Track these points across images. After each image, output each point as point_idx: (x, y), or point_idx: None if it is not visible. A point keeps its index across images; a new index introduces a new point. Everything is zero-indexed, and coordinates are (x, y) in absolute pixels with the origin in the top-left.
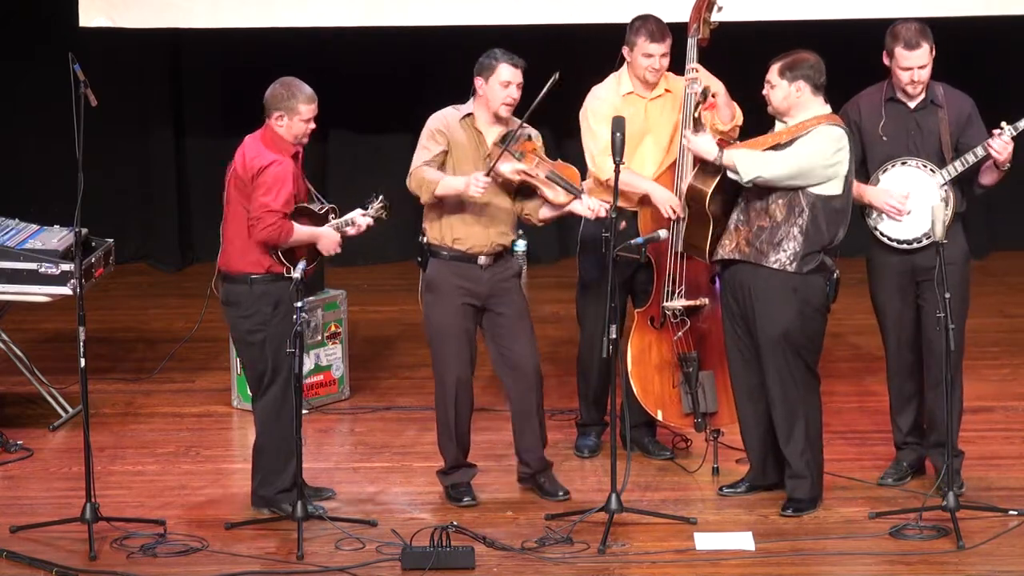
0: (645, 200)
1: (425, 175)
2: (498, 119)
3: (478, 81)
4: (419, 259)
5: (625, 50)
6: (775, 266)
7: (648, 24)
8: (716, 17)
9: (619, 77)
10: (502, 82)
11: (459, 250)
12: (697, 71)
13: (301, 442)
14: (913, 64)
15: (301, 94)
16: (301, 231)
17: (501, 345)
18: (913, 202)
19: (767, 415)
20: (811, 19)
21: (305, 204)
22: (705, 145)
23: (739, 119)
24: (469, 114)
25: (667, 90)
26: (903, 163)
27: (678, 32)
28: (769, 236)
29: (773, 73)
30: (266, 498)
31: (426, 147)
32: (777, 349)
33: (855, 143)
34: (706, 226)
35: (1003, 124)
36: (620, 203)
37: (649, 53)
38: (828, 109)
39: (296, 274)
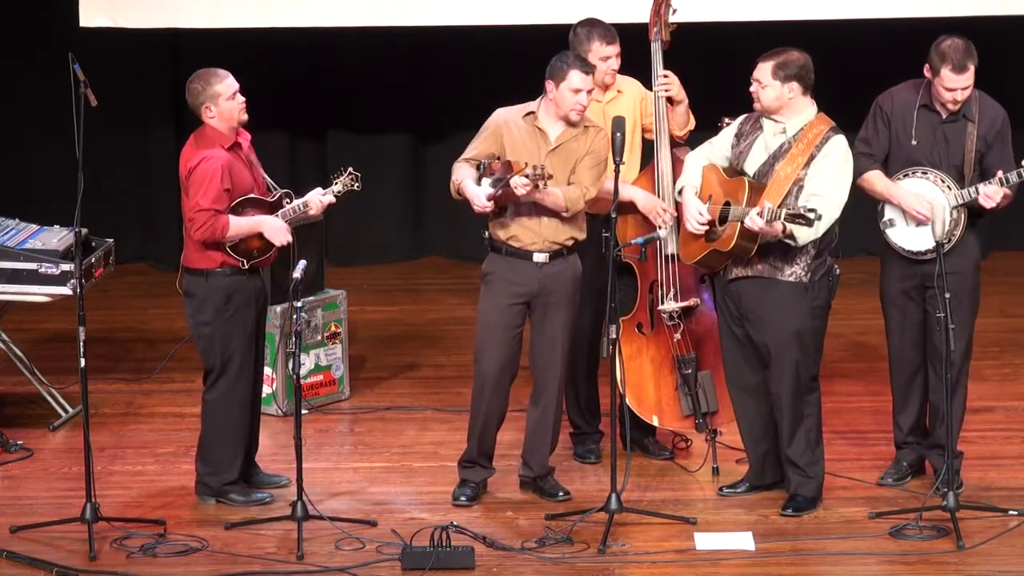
0: (626, 207)
1: (454, 173)
2: (568, 122)
3: (549, 84)
4: (484, 242)
5: None
6: (791, 279)
7: (598, 28)
8: (674, 18)
9: None
10: (572, 89)
11: (515, 247)
12: (668, 77)
13: (301, 442)
14: (958, 86)
15: (213, 77)
16: (240, 223)
17: (535, 342)
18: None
19: (768, 414)
20: (819, 19)
21: (254, 195)
22: (776, 230)
23: (692, 125)
24: (531, 112)
25: (619, 91)
26: (923, 173)
27: (637, 34)
28: (782, 252)
29: (764, 72)
30: (213, 488)
31: (475, 142)
32: (788, 350)
33: (882, 135)
34: (731, 257)
35: (999, 173)
36: (594, 211)
37: (606, 55)
38: (815, 108)
39: (296, 274)
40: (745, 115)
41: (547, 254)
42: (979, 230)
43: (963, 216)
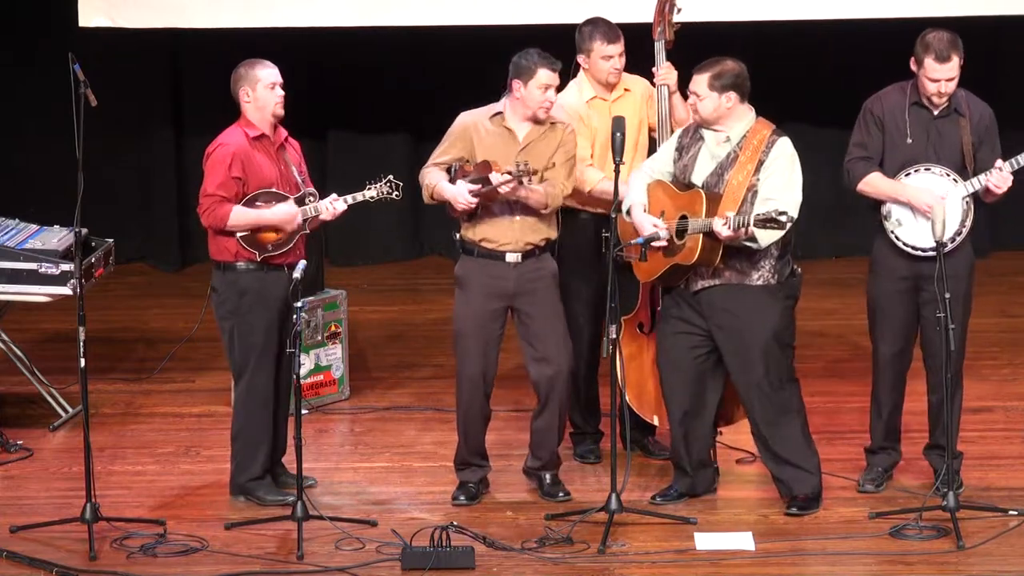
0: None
1: (425, 178)
2: (536, 120)
3: (515, 83)
4: (455, 254)
5: (581, 58)
6: (759, 283)
7: (600, 27)
8: (678, 18)
9: (579, 84)
10: (540, 86)
11: (488, 248)
12: (670, 68)
13: (301, 442)
14: (942, 76)
15: (258, 64)
16: (243, 214)
17: (531, 345)
18: None
19: (707, 427)
20: (816, 19)
21: (275, 189)
22: (740, 236)
23: (691, 119)
24: (498, 113)
25: (626, 89)
26: (927, 169)
27: (644, 33)
28: (746, 257)
29: (701, 85)
30: (240, 485)
31: (443, 147)
32: (765, 351)
33: (876, 138)
34: (694, 270)
35: (1000, 161)
36: (598, 209)
37: (608, 55)
38: (754, 113)
39: (296, 274)
40: (682, 128)
41: (519, 254)
42: (976, 229)
43: (971, 208)
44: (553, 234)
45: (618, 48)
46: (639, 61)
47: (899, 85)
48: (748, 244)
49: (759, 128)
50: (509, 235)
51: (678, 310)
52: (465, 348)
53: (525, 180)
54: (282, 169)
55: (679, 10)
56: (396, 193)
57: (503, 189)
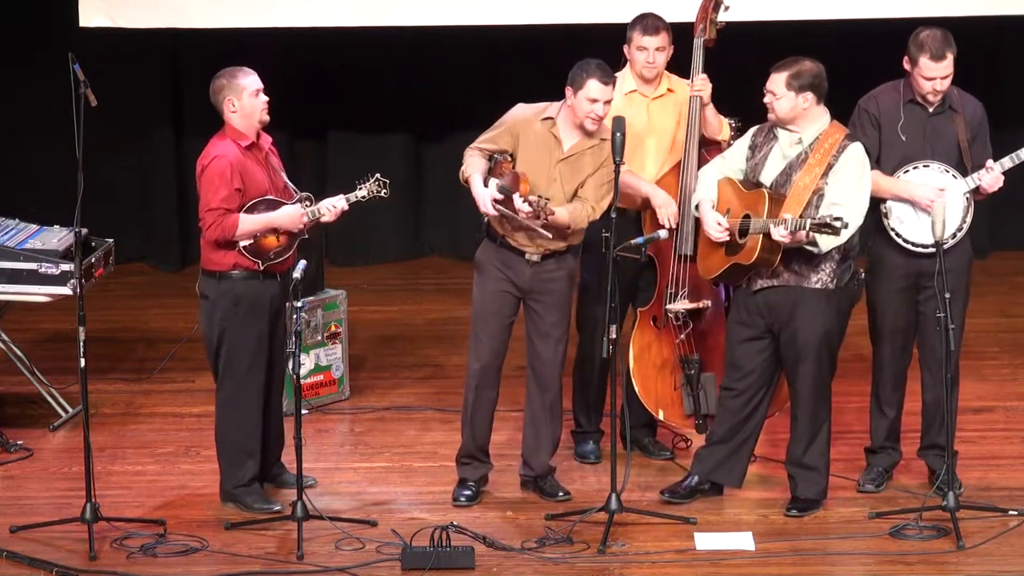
0: (648, 202)
1: (466, 161)
2: (584, 131)
3: (568, 91)
4: (477, 235)
5: (625, 48)
6: (818, 286)
7: (644, 19)
8: (722, 17)
9: (622, 76)
10: (589, 98)
11: (509, 243)
12: (704, 80)
13: (301, 442)
14: (937, 75)
15: (240, 72)
16: (250, 221)
17: (531, 341)
18: None
19: (741, 421)
20: (816, 19)
21: (271, 197)
22: (800, 239)
23: (726, 133)
24: (550, 117)
25: (669, 90)
26: (925, 166)
27: (685, 32)
28: (806, 259)
29: (778, 84)
30: (228, 492)
31: (491, 133)
32: (816, 351)
33: (872, 136)
34: (753, 269)
35: (990, 162)
36: (623, 204)
37: (643, 46)
38: (829, 116)
39: (296, 274)
40: (758, 126)
41: (540, 255)
42: (976, 229)
43: (971, 202)
44: (576, 240)
45: (654, 42)
46: (685, 63)
47: (892, 84)
48: (808, 248)
49: (832, 131)
50: (530, 242)
51: (738, 315)
52: (480, 334)
53: (542, 215)
54: (271, 176)
55: (726, 8)
56: (384, 191)
57: (520, 215)
